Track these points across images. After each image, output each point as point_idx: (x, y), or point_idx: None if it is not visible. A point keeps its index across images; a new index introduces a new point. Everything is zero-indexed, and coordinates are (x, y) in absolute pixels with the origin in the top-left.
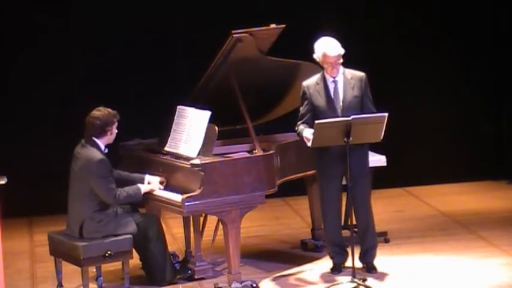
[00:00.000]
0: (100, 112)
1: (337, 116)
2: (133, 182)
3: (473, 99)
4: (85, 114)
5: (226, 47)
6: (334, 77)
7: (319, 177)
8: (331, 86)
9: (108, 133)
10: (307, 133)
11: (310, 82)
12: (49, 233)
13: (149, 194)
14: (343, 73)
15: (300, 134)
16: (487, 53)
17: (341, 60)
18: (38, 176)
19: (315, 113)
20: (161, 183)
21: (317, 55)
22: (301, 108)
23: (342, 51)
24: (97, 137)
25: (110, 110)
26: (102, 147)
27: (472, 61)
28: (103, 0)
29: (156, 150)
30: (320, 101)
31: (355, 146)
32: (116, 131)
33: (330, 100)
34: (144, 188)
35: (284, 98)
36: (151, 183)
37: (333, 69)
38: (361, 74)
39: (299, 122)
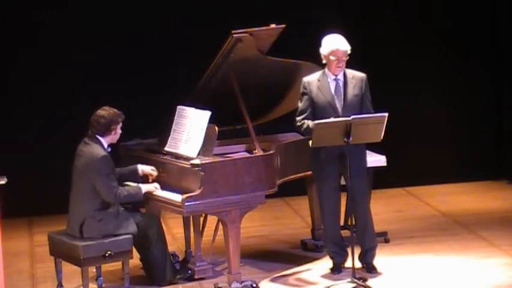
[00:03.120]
0: (105, 111)
1: (338, 114)
2: (127, 175)
3: (473, 99)
4: (85, 114)
5: (226, 47)
6: (336, 75)
7: (315, 178)
8: (332, 84)
9: (112, 132)
10: None
11: (311, 78)
12: (49, 233)
13: (149, 195)
14: (345, 72)
15: (308, 129)
16: (487, 53)
17: (347, 58)
18: (38, 176)
19: (314, 110)
20: (153, 170)
21: (325, 49)
22: (300, 104)
23: (350, 48)
24: (101, 135)
25: (115, 109)
26: (105, 145)
27: (472, 61)
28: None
29: (156, 150)
30: (321, 98)
31: (352, 145)
32: (120, 131)
33: (331, 98)
34: (144, 187)
35: (284, 98)
36: (145, 171)
37: (338, 64)
38: (362, 74)
39: (299, 118)
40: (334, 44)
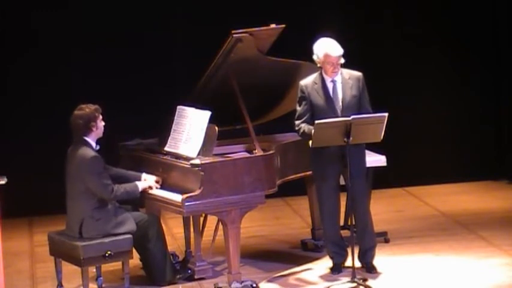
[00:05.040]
0: (81, 111)
1: (337, 116)
2: (130, 180)
3: (473, 99)
4: None
5: (226, 47)
6: (332, 77)
7: (315, 178)
8: (329, 86)
9: (93, 128)
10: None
11: (308, 81)
12: (49, 233)
13: (149, 194)
14: (341, 73)
15: (304, 133)
16: (486, 53)
17: (342, 61)
18: (38, 176)
19: (313, 113)
20: (157, 182)
21: (317, 55)
22: (298, 108)
23: (343, 51)
24: (85, 135)
25: (90, 106)
26: (93, 144)
27: (472, 61)
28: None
29: (156, 150)
30: (319, 100)
31: (352, 145)
32: (102, 123)
33: (329, 100)
34: (141, 185)
35: (284, 98)
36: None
37: (334, 69)
38: (358, 73)
39: (298, 122)
40: (327, 50)
